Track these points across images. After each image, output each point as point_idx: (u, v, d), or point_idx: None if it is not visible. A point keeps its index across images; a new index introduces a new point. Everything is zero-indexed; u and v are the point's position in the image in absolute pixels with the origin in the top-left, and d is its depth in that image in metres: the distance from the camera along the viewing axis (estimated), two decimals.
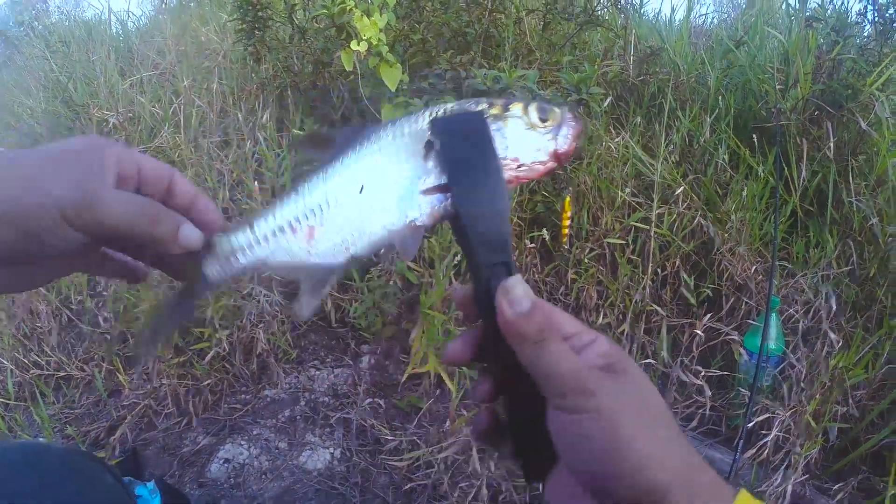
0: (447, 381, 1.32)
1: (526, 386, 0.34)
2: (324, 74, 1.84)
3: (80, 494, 0.64)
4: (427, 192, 0.33)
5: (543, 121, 0.36)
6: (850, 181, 1.76)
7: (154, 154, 2.13)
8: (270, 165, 1.72)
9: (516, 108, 0.35)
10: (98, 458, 0.81)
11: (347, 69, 1.49)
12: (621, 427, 0.33)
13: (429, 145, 0.33)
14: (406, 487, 1.23)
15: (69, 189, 0.38)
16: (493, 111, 0.35)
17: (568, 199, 0.51)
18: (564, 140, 0.36)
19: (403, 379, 1.44)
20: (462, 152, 0.32)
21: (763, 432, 1.30)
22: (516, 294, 0.34)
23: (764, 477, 1.27)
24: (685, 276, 1.51)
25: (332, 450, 1.34)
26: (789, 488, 1.21)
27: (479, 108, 0.35)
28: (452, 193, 0.33)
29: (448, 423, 1.22)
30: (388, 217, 0.35)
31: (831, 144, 1.78)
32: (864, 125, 1.77)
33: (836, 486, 1.28)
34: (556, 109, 0.36)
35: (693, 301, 1.49)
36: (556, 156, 0.36)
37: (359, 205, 0.35)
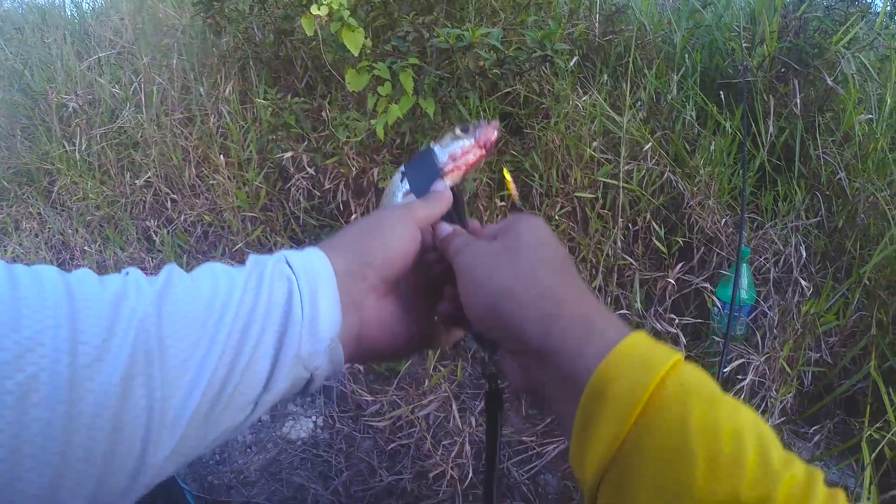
0: None
1: None
2: (286, 44, 1.80)
3: None
4: (404, 194, 0.57)
5: (465, 131, 0.56)
6: (818, 137, 1.79)
7: (116, 135, 2.07)
8: (236, 138, 1.69)
9: (449, 130, 0.58)
10: None
11: (309, 35, 1.45)
12: (475, 271, 0.41)
13: (402, 174, 0.57)
14: (390, 448, 1.23)
15: None
16: (438, 140, 0.58)
17: (505, 170, 0.52)
18: (480, 134, 0.56)
19: None
20: (414, 170, 0.57)
21: (739, 377, 1.33)
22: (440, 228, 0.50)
23: None
24: (656, 227, 1.52)
25: (314, 418, 1.34)
26: None
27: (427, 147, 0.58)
28: (410, 186, 0.56)
29: (427, 382, 1.22)
30: (393, 202, 0.58)
31: (798, 101, 1.81)
32: (830, 82, 1.80)
33: (812, 430, 1.31)
34: (474, 122, 0.57)
35: (664, 251, 1.51)
36: (480, 146, 0.56)
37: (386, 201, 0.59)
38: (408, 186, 0.57)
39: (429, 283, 0.50)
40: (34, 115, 2.31)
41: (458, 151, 0.56)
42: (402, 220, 0.49)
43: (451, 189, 0.54)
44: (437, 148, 0.57)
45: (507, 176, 0.69)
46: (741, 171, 1.77)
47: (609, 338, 0.33)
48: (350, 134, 1.58)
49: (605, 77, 1.82)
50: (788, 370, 1.32)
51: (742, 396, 1.31)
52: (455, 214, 0.53)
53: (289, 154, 1.60)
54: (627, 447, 0.30)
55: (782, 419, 1.32)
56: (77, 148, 2.04)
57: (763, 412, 1.30)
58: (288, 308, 0.40)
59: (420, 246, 0.49)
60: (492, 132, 0.57)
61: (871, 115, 1.84)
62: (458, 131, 0.57)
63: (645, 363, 0.31)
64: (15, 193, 2.10)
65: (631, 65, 2.01)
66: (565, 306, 0.36)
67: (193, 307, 0.37)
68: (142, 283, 0.37)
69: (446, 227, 0.51)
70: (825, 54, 1.92)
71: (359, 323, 0.46)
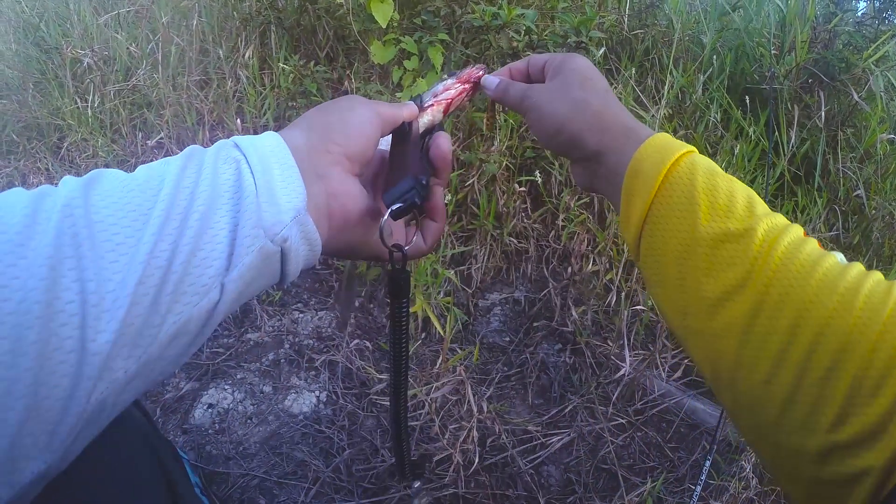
0: (435, 323, 1.29)
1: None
2: (309, 11, 1.76)
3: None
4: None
5: (451, 75, 0.60)
6: (839, 151, 1.78)
7: (130, 94, 2.03)
8: (253, 103, 1.65)
9: (441, 75, 0.64)
10: None
11: (339, 1, 1.42)
12: (543, 107, 0.51)
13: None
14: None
15: None
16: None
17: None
18: (464, 73, 0.60)
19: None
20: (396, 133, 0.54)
21: None
22: (487, 81, 0.59)
23: None
24: None
25: (317, 393, 1.31)
26: None
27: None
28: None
29: (439, 363, 1.19)
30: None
31: (822, 113, 1.80)
32: (856, 97, 1.78)
33: None
34: (462, 68, 0.62)
35: None
36: (461, 81, 0.59)
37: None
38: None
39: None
40: (47, 70, 2.26)
41: (440, 88, 0.59)
42: (362, 103, 0.49)
43: (431, 124, 0.56)
44: (424, 93, 0.59)
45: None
46: (762, 178, 1.75)
47: (642, 137, 0.44)
48: None
49: (633, 70, 1.79)
50: None
51: None
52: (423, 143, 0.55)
53: None
54: (655, 206, 0.41)
55: None
56: (89, 105, 2.00)
57: None
58: (238, 183, 0.38)
59: (380, 134, 0.50)
60: (476, 71, 0.61)
61: (893, 136, 1.83)
62: (444, 75, 0.61)
63: (665, 150, 0.42)
64: (24, 147, 2.06)
65: (658, 61, 1.98)
66: (611, 121, 0.47)
67: (124, 192, 0.35)
68: (68, 179, 0.35)
69: (493, 79, 0.59)
70: (852, 69, 1.90)
71: (326, 194, 0.44)
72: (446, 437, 1.15)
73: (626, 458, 1.26)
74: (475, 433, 1.15)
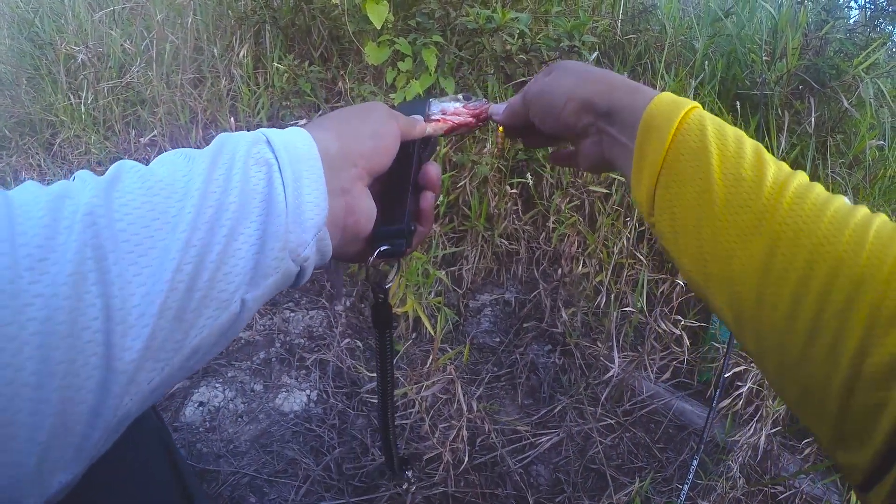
0: (426, 323, 1.30)
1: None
2: (304, 11, 1.76)
3: None
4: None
5: (466, 98, 0.61)
6: (828, 157, 1.81)
7: (124, 91, 2.03)
8: (247, 102, 1.66)
9: (453, 95, 0.62)
10: None
11: (334, 1, 1.42)
12: (547, 88, 0.53)
13: (392, 107, 0.55)
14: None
15: None
16: (440, 98, 0.61)
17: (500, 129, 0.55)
18: (477, 105, 0.61)
19: None
20: (404, 108, 0.58)
21: (738, 383, 1.32)
22: (494, 109, 0.61)
23: (736, 430, 1.30)
24: None
25: (308, 392, 1.32)
26: (762, 440, 1.24)
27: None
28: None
29: (430, 362, 1.20)
30: None
31: (812, 119, 1.82)
32: (846, 104, 1.80)
33: (802, 443, 1.31)
34: (479, 96, 0.62)
35: None
36: (471, 114, 0.60)
37: None
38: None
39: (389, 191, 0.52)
40: (41, 66, 2.25)
41: (450, 109, 0.60)
42: (389, 117, 0.49)
43: (430, 136, 0.57)
44: (433, 101, 0.60)
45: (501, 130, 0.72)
46: None
47: (649, 95, 0.46)
48: None
49: (625, 75, 1.80)
50: None
51: (739, 404, 1.31)
52: (425, 155, 0.57)
53: (303, 122, 1.57)
54: (669, 156, 0.43)
55: (775, 430, 1.32)
56: (83, 101, 2.00)
57: (757, 422, 1.31)
58: (269, 195, 0.37)
59: (398, 148, 0.49)
60: (485, 107, 0.62)
61: (882, 142, 1.86)
62: (459, 96, 0.62)
63: (675, 105, 0.44)
64: (16, 143, 2.05)
65: (650, 66, 2.00)
66: (617, 82, 0.49)
67: (147, 195, 0.33)
68: (87, 179, 0.33)
69: (499, 106, 0.61)
70: (843, 76, 1.92)
71: (345, 210, 0.43)
72: (436, 435, 1.16)
73: (614, 458, 1.27)
74: (465, 432, 1.16)
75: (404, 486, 1.06)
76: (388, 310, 0.53)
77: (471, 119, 0.60)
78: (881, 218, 0.37)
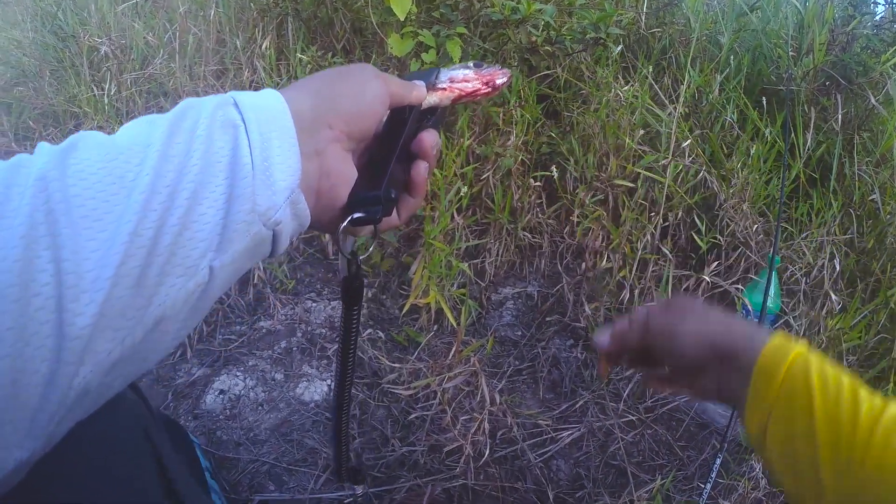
0: (448, 315, 1.29)
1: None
2: (326, 3, 1.76)
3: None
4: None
5: (477, 65, 0.58)
6: (854, 155, 1.77)
7: (147, 83, 2.04)
8: None
9: (465, 62, 0.59)
10: None
11: None
12: (676, 328, 0.57)
13: (399, 76, 0.53)
14: (405, 419, 1.21)
15: None
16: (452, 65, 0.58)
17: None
18: (488, 71, 0.58)
19: (402, 312, 1.42)
20: (412, 77, 0.54)
21: None
22: (599, 341, 0.66)
23: None
24: (697, 221, 1.51)
25: (329, 381, 1.32)
26: None
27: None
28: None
29: (452, 354, 1.20)
30: None
31: (839, 116, 1.79)
32: (874, 101, 1.77)
33: None
34: (491, 62, 0.61)
35: (703, 245, 1.48)
36: (482, 80, 0.57)
37: None
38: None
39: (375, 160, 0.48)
40: (64, 58, 2.28)
41: (459, 76, 0.57)
42: (375, 77, 0.46)
43: (436, 105, 0.54)
44: (443, 69, 0.57)
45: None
46: (777, 179, 1.74)
47: (761, 340, 0.51)
48: None
49: (650, 69, 1.78)
50: None
51: None
52: (430, 125, 0.54)
53: None
54: (781, 398, 0.49)
55: None
56: (105, 93, 2.01)
57: None
58: (234, 157, 0.36)
59: (386, 112, 0.47)
60: (500, 75, 0.59)
61: None
62: (470, 63, 0.59)
63: (783, 351, 0.50)
64: (40, 134, 2.07)
65: (675, 60, 1.98)
66: (734, 326, 0.55)
67: (105, 161, 0.32)
68: (44, 147, 0.32)
69: (604, 338, 0.64)
70: (870, 73, 1.89)
71: (319, 172, 0.42)
72: (457, 427, 1.16)
73: (635, 455, 1.25)
74: (486, 425, 1.16)
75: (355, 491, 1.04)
76: (359, 283, 0.50)
77: (482, 87, 0.57)
78: None
